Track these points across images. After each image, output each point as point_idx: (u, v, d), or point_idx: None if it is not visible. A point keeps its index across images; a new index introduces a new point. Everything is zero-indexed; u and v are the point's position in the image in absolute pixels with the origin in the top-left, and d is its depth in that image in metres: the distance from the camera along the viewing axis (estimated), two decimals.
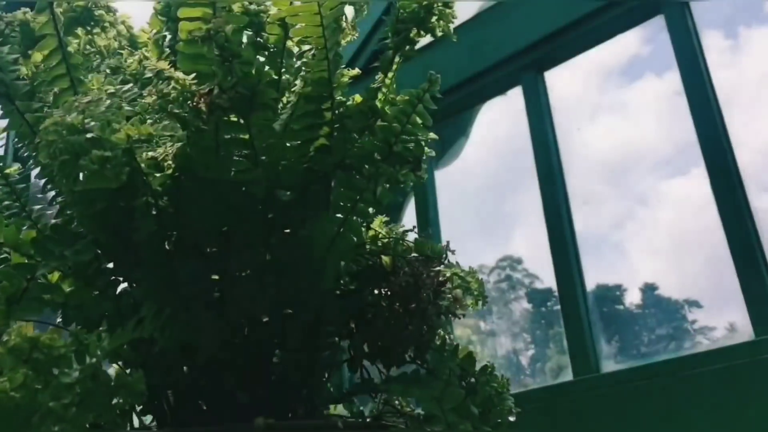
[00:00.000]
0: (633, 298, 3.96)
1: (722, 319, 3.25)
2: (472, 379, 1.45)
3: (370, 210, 1.42)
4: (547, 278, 3.60)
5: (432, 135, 1.93)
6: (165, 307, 1.32)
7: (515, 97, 3.39)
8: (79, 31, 1.73)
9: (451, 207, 4.01)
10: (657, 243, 3.70)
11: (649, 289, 3.92)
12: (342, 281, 1.55)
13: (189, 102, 1.22)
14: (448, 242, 1.56)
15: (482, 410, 1.41)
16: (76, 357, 1.18)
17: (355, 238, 1.38)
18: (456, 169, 3.75)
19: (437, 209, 3.43)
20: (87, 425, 1.09)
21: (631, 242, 3.88)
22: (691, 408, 2.53)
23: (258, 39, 1.46)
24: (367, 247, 1.52)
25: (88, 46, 1.75)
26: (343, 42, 1.56)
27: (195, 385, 1.41)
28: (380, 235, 1.54)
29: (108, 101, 1.36)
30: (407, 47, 1.58)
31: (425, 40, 3.54)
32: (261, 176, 1.32)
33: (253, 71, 1.23)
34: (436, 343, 1.50)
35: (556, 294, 3.42)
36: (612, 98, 3.92)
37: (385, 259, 1.51)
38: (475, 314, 5.10)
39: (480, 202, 4.20)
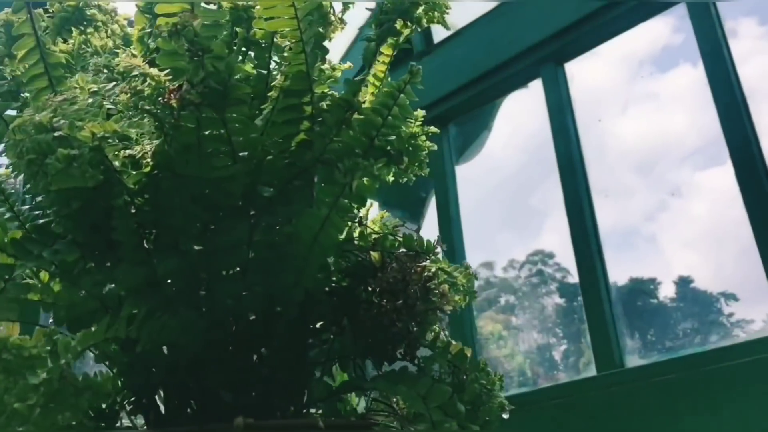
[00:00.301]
0: (667, 291, 3.89)
1: (761, 311, 3.19)
2: (464, 377, 1.42)
3: (354, 205, 1.39)
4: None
5: (433, 128, 1.92)
6: (146, 306, 1.31)
7: (538, 89, 3.34)
8: (76, 31, 1.73)
9: (477, 202, 3.97)
10: (691, 235, 3.63)
11: (683, 282, 3.85)
12: (334, 278, 1.53)
13: (160, 98, 1.21)
14: (438, 237, 1.53)
15: (471, 408, 1.38)
16: (50, 358, 1.17)
17: (337, 234, 1.35)
18: (480, 163, 3.71)
19: (458, 204, 3.39)
20: (55, 426, 1.09)
21: (664, 235, 3.81)
22: (721, 402, 2.47)
23: (248, 35, 1.45)
24: (357, 242, 1.50)
25: (83, 46, 1.74)
26: (332, 35, 1.55)
27: (181, 384, 1.40)
28: (369, 231, 1.52)
29: (90, 99, 1.36)
30: (393, 39, 1.55)
31: (443, 34, 3.53)
32: (238, 172, 1.30)
33: (224, 66, 1.21)
34: (427, 339, 1.48)
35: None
36: (643, 89, 3.86)
37: (374, 254, 1.49)
38: (506, 309, 5.07)
39: (506, 197, 4.16)
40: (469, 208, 3.81)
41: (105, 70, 1.53)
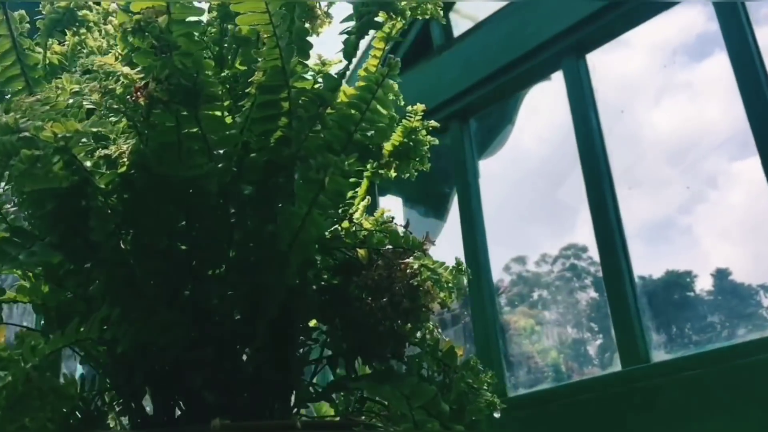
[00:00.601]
0: (704, 284, 3.82)
1: None
2: (454, 375, 1.39)
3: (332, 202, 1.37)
4: None
5: (433, 123, 1.89)
6: (123, 307, 1.30)
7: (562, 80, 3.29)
8: (70, 33, 1.72)
9: (507, 196, 3.93)
10: (728, 226, 3.56)
11: (721, 275, 3.77)
12: (325, 275, 1.51)
13: (128, 97, 1.19)
14: (427, 233, 1.50)
15: (457, 407, 1.35)
16: (22, 360, 1.17)
17: (317, 232, 1.33)
18: (508, 157, 3.67)
19: (480, 199, 3.35)
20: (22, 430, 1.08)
21: (700, 226, 3.74)
22: (750, 398, 2.42)
23: (236, 31, 1.44)
24: (345, 239, 1.48)
25: (79, 47, 1.74)
26: (320, 30, 1.52)
27: (165, 385, 1.38)
28: (358, 228, 1.49)
29: (71, 100, 1.35)
30: (383, 32, 1.52)
31: (463, 27, 3.49)
32: (213, 170, 1.28)
33: (191, 63, 1.19)
34: (417, 338, 1.45)
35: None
36: (677, 78, 3.79)
37: (361, 252, 1.46)
38: (539, 304, 5.02)
39: (537, 190, 4.10)
40: (498, 203, 3.78)
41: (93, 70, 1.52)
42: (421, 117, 1.87)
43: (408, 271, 1.36)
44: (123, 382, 1.38)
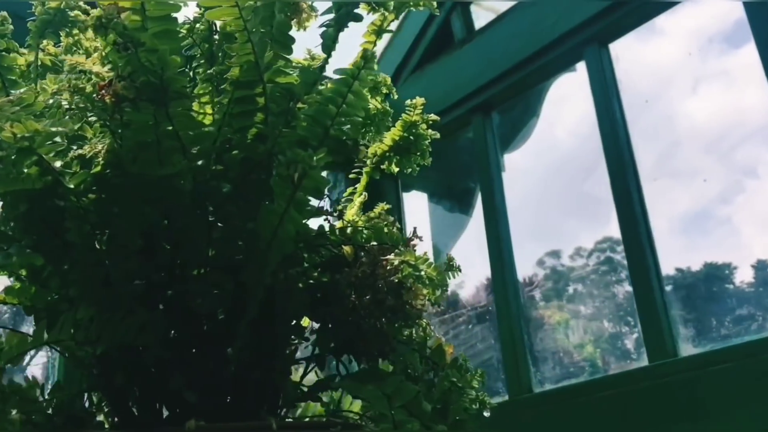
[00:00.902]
0: (745, 275, 3.74)
1: None
2: (441, 374, 1.36)
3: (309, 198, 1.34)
4: None
5: (433, 116, 1.86)
6: (102, 308, 1.30)
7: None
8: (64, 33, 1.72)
9: (536, 189, 3.89)
10: None
11: (762, 266, 3.69)
12: (315, 273, 1.49)
13: (95, 95, 1.18)
14: (415, 228, 1.47)
15: (441, 407, 1.32)
16: None
17: (295, 229, 1.30)
18: (532, 149, 3.62)
19: (503, 194, 3.31)
20: None
21: (740, 217, 3.67)
22: None
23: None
24: (331, 237, 1.45)
25: (74, 47, 1.73)
26: (307, 24, 1.50)
27: (146, 386, 1.37)
28: (345, 224, 1.47)
29: (51, 100, 1.34)
30: (373, 26, 1.50)
31: (484, 19, 3.45)
32: (185, 168, 1.26)
33: (156, 59, 1.18)
34: (402, 336, 1.42)
35: (663, 274, 3.27)
36: (714, 65, 3.71)
37: (347, 248, 1.44)
38: (574, 298, 4.96)
39: (568, 183, 4.05)
40: (530, 196, 3.74)
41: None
42: (420, 111, 1.85)
43: (388, 267, 1.34)
44: (106, 382, 1.37)
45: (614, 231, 5.04)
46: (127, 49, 1.17)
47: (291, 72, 1.39)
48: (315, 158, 1.17)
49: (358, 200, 1.75)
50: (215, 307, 1.37)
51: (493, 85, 3.34)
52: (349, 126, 1.29)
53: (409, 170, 1.87)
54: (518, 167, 3.67)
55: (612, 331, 4.69)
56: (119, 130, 1.28)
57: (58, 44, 1.72)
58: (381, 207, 1.74)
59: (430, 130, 1.86)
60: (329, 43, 1.39)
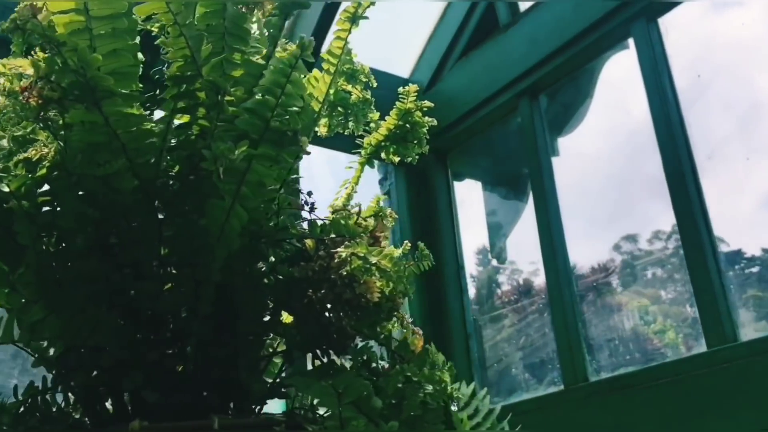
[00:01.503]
0: None
1: None
2: (396, 368, 1.32)
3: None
4: (733, 239, 3.30)
5: (427, 103, 1.81)
6: (56, 309, 1.30)
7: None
8: None
9: (601, 171, 3.78)
10: None
11: None
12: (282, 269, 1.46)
13: (20, 98, 1.18)
14: (379, 217, 1.43)
15: (395, 402, 1.28)
16: None
17: (239, 224, 1.28)
18: (583, 132, 3.52)
19: (553, 178, 3.22)
20: None
21: None
22: None
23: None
24: (293, 230, 1.43)
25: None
26: (265, 15, 1.47)
27: (106, 385, 1.37)
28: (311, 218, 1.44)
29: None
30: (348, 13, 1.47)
31: (529, 2, 3.36)
32: (123, 167, 1.26)
33: (75, 59, 1.16)
34: (363, 331, 1.39)
35: (747, 255, 3.15)
36: None
37: (308, 242, 1.41)
38: (653, 283, 4.81)
39: (635, 164, 3.91)
40: (597, 180, 3.64)
41: None
42: (414, 98, 1.80)
43: (336, 260, 1.30)
44: (67, 382, 1.37)
45: None
46: (44, 50, 1.17)
47: (243, 64, 1.37)
48: (237, 152, 1.15)
49: (345, 192, 1.72)
50: (171, 306, 1.36)
51: (540, 67, 3.26)
52: (288, 117, 1.25)
53: (409, 159, 1.83)
54: (577, 150, 3.58)
55: (694, 316, 4.53)
56: (61, 132, 1.27)
57: None
58: (377, 198, 1.71)
59: (426, 118, 1.81)
60: (275, 33, 1.36)
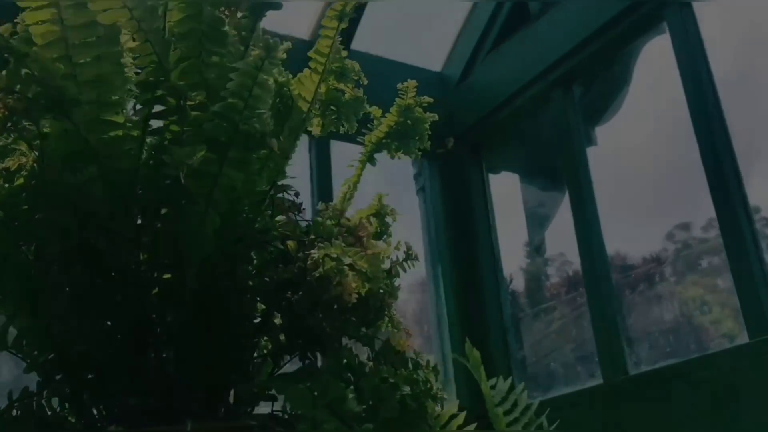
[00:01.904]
0: None
1: None
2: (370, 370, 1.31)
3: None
4: None
5: (426, 98, 1.80)
6: (38, 317, 1.32)
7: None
8: None
9: (641, 160, 3.71)
10: None
11: None
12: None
13: None
14: (365, 219, 1.42)
15: (373, 404, 1.27)
16: None
17: (212, 228, 1.28)
18: (622, 120, 3.45)
19: (588, 168, 3.16)
20: None
21: None
22: None
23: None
24: (274, 233, 1.42)
25: None
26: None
27: (89, 390, 1.39)
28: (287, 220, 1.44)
29: None
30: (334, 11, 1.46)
31: None
32: (94, 175, 1.26)
33: (38, 69, 1.18)
34: (349, 331, 1.38)
35: None
36: None
37: (290, 243, 1.41)
38: (710, 272, 4.71)
39: (678, 153, 3.83)
40: (648, 167, 3.57)
41: None
42: (414, 94, 1.79)
43: (309, 262, 1.29)
44: (53, 388, 1.39)
45: (752, 197, 4.75)
46: (9, 61, 1.18)
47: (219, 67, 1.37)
48: (194, 156, 1.15)
49: (343, 191, 1.71)
50: (152, 311, 1.37)
51: (571, 56, 3.20)
52: (254, 120, 1.25)
53: (413, 156, 1.82)
54: (617, 138, 3.52)
55: None
56: (36, 142, 1.29)
57: None
58: (379, 196, 1.70)
59: (428, 114, 1.79)
60: (247, 34, 1.36)
